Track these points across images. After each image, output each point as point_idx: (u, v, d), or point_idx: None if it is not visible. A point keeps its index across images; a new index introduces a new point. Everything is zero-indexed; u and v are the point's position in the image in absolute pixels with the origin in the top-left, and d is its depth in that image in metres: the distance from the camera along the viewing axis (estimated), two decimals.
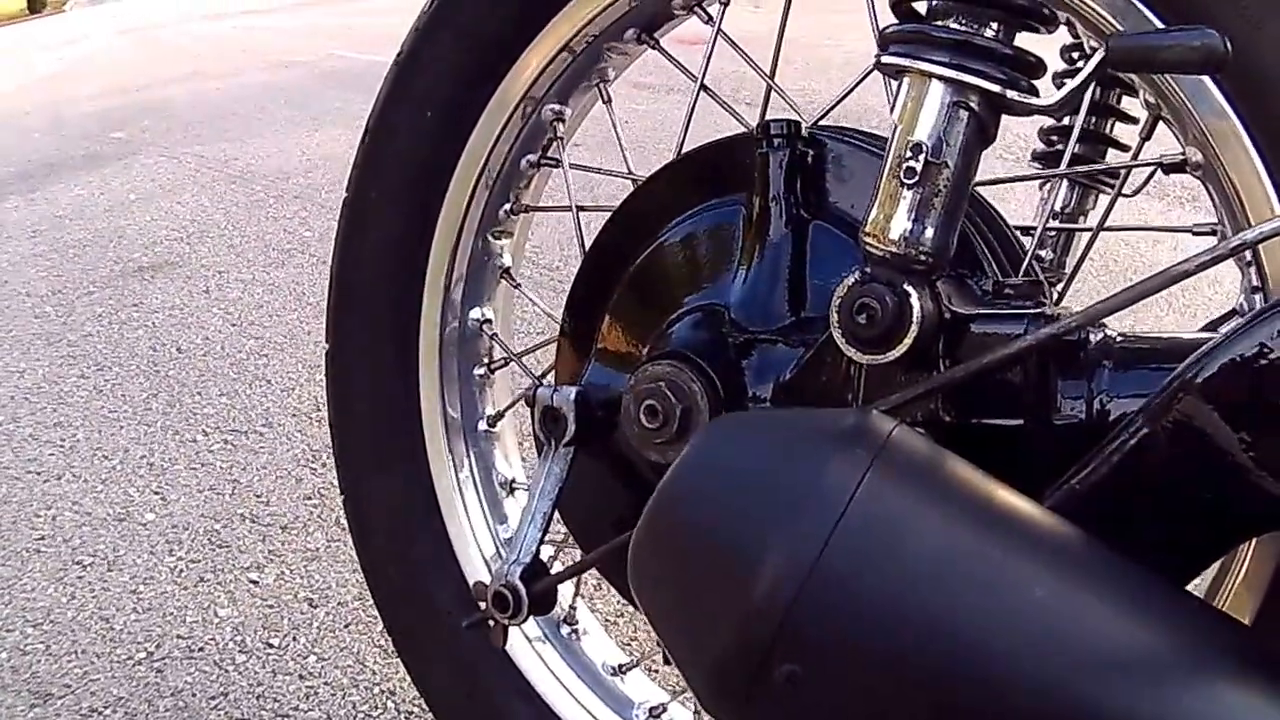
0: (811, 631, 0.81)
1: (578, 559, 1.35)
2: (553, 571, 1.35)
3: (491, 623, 1.35)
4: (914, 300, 1.01)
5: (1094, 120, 1.57)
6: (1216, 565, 1.15)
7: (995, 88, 0.99)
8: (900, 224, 1.01)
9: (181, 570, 2.64)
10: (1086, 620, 0.81)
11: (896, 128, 1.02)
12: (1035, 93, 1.01)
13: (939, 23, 1.02)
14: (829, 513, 0.81)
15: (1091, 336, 1.03)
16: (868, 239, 1.03)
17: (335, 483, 1.68)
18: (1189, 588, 0.92)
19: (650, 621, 0.94)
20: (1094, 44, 1.07)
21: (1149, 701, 0.77)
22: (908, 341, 1.02)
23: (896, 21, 1.05)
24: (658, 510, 0.91)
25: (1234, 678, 0.80)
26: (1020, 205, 3.00)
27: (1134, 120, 1.47)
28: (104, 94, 11.55)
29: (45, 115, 10.61)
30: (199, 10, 22.13)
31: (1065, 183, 1.58)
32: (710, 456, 0.93)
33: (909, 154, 1.00)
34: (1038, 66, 1.02)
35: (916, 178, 1.00)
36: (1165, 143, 1.17)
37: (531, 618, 1.36)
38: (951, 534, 0.83)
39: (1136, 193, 1.55)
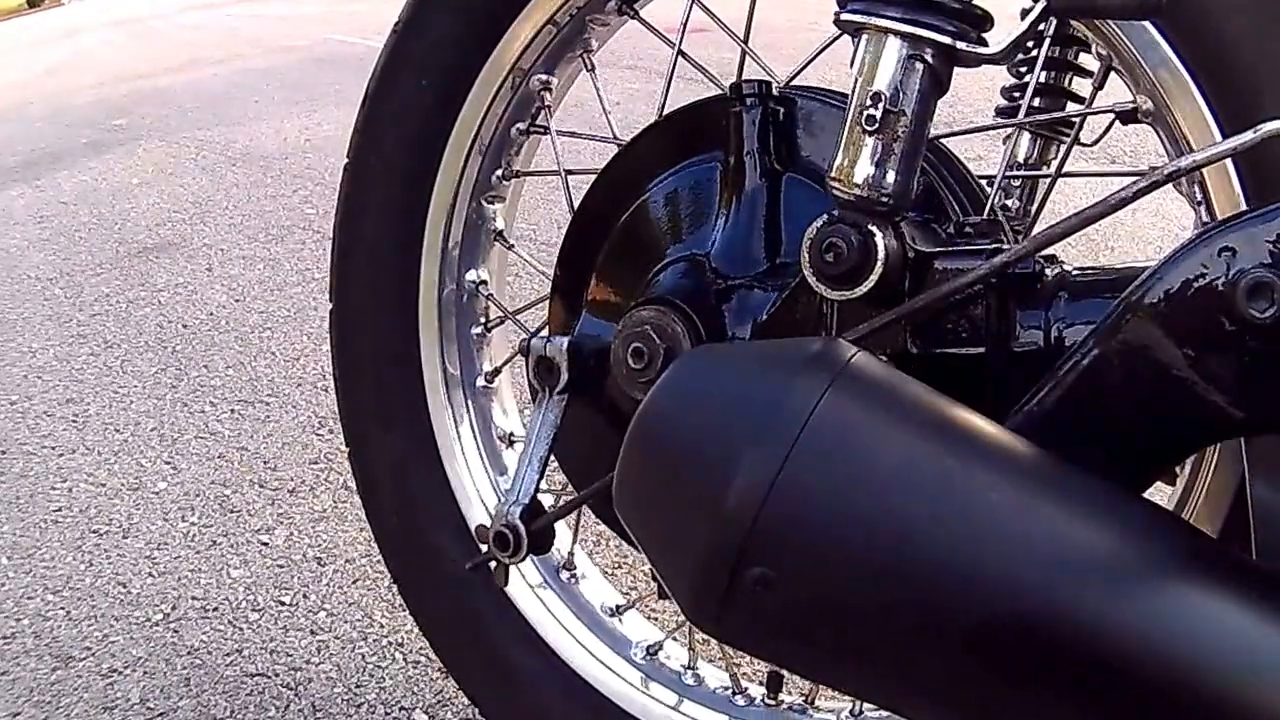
0: (778, 536, 0.86)
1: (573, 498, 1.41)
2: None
3: (494, 563, 1.41)
4: (878, 239, 1.07)
5: (1053, 75, 1.62)
6: (1184, 481, 1.22)
7: (946, 40, 1.04)
8: (863, 169, 1.06)
9: (194, 535, 2.70)
10: (1039, 520, 0.86)
11: (858, 80, 1.08)
12: (984, 44, 1.06)
13: None
14: (791, 426, 0.86)
15: (1048, 271, 1.09)
16: (834, 183, 1.08)
17: (340, 447, 1.73)
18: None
19: (635, 538, 1.00)
20: None
21: (1099, 597, 0.82)
22: (874, 278, 1.07)
23: None
24: (638, 432, 0.96)
25: (1182, 574, 0.85)
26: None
27: (1091, 74, 1.52)
28: (104, 84, 11.53)
29: (48, 106, 10.59)
30: (192, 0, 22.04)
31: (1027, 135, 1.63)
32: (683, 382, 0.98)
33: (869, 104, 1.06)
34: (986, 19, 1.07)
35: (876, 125, 1.05)
36: (1123, 95, 1.22)
37: (532, 560, 1.42)
38: (906, 444, 0.88)
39: (1096, 142, 1.61)
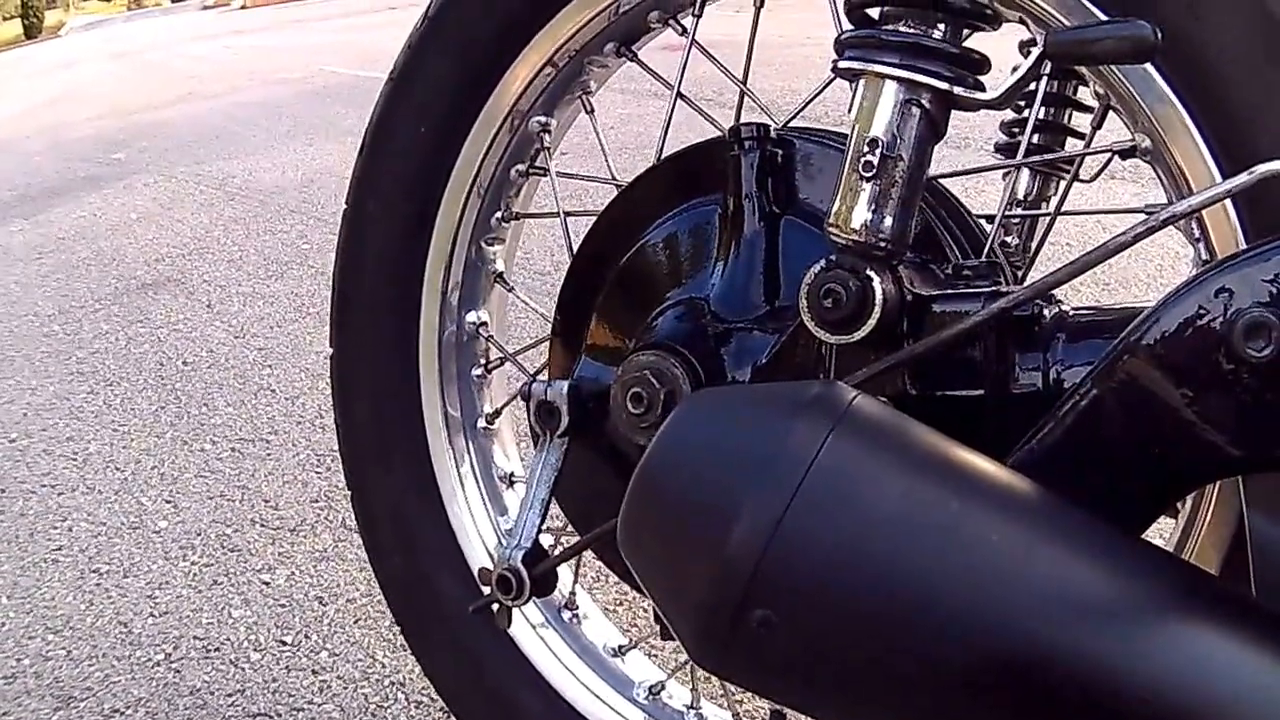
0: (781, 580, 0.86)
1: (575, 542, 1.41)
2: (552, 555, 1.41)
3: (496, 606, 1.41)
4: (876, 284, 1.07)
5: (1052, 111, 1.63)
6: (1184, 520, 1.22)
7: (943, 85, 1.05)
8: (861, 214, 1.07)
9: (195, 574, 2.70)
10: (1041, 563, 0.86)
11: (855, 126, 1.08)
12: (981, 88, 1.06)
13: (890, 27, 1.08)
14: (794, 472, 0.87)
15: (1046, 312, 1.09)
16: (832, 229, 1.09)
17: (341, 485, 1.74)
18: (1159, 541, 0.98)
19: (640, 582, 1.00)
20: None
21: (1101, 638, 0.82)
22: (872, 322, 1.08)
23: (852, 27, 1.12)
24: (641, 479, 0.96)
25: (1184, 615, 0.85)
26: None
27: (1090, 109, 1.52)
28: (102, 116, 11.58)
29: (45, 139, 10.65)
30: (190, 32, 22.12)
31: (1026, 171, 1.64)
32: (687, 428, 0.98)
33: (866, 150, 1.06)
34: (983, 63, 1.07)
35: (874, 171, 1.06)
36: (1122, 130, 1.22)
37: (533, 600, 1.42)
38: (908, 487, 0.89)
39: (1094, 178, 1.61)
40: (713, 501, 0.90)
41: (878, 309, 1.08)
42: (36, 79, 18.67)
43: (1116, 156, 1.26)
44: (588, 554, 1.53)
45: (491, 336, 1.67)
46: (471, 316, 1.66)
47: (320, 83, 11.55)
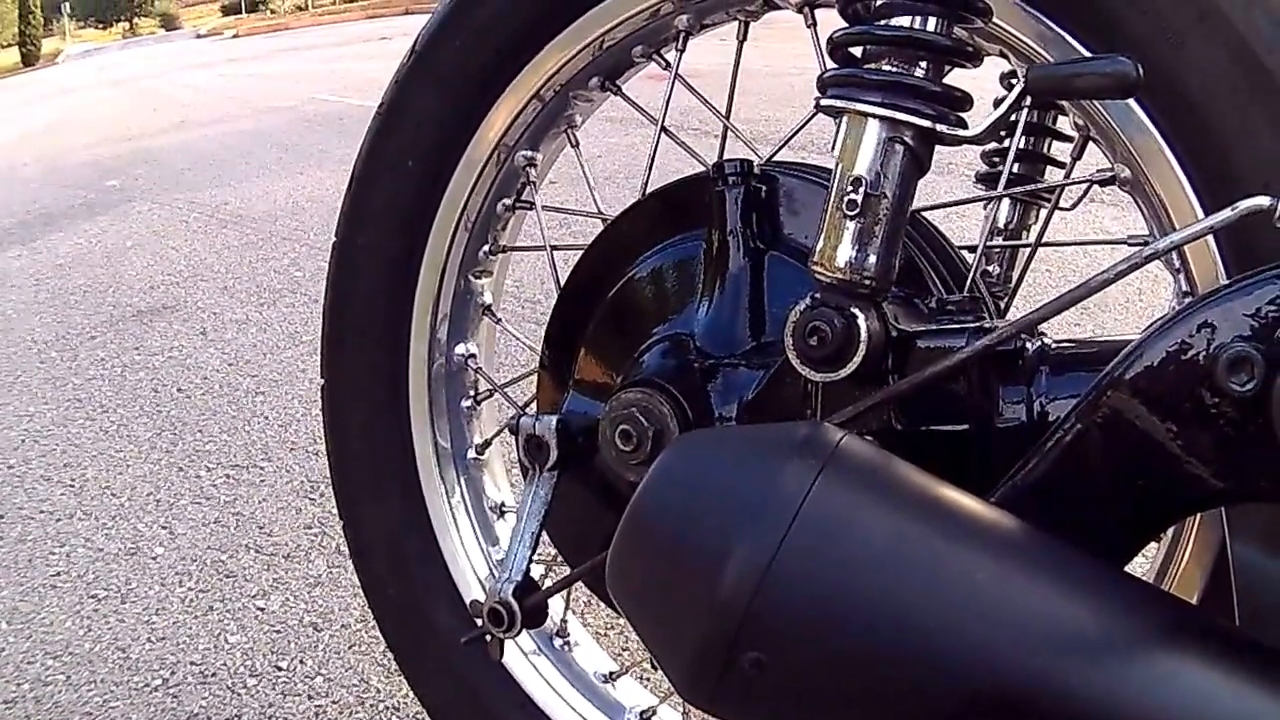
0: (772, 621, 0.87)
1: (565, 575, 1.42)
2: (542, 587, 1.42)
3: (488, 637, 1.42)
4: (861, 322, 1.07)
5: (1032, 140, 1.63)
6: (1165, 547, 1.22)
7: (926, 123, 1.05)
8: (845, 252, 1.07)
9: (191, 600, 2.71)
10: (1027, 600, 0.87)
11: (838, 164, 1.08)
12: (964, 125, 1.07)
13: (872, 65, 1.08)
14: (783, 514, 0.87)
15: (1029, 345, 1.09)
16: (816, 267, 1.09)
17: (334, 512, 1.74)
18: (1139, 571, 0.98)
19: (630, 623, 1.01)
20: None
21: (1089, 673, 0.82)
22: (857, 359, 1.08)
23: (835, 65, 1.12)
24: (631, 521, 0.97)
25: (1170, 647, 0.85)
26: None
27: (1070, 139, 1.52)
28: (98, 143, 11.62)
29: (43, 165, 10.68)
30: (185, 61, 22.14)
31: (1007, 201, 1.65)
32: (676, 470, 0.98)
33: (850, 188, 1.06)
34: (965, 100, 1.08)
35: (858, 209, 1.06)
36: (1102, 157, 1.23)
37: (525, 631, 1.43)
38: (896, 528, 0.89)
39: (1073, 207, 1.61)
40: (703, 544, 0.91)
41: (863, 347, 1.08)
42: (34, 106, 18.71)
43: (1096, 185, 1.27)
44: (579, 583, 1.54)
45: (480, 369, 1.68)
46: (460, 349, 1.67)
47: (311, 111, 11.59)
